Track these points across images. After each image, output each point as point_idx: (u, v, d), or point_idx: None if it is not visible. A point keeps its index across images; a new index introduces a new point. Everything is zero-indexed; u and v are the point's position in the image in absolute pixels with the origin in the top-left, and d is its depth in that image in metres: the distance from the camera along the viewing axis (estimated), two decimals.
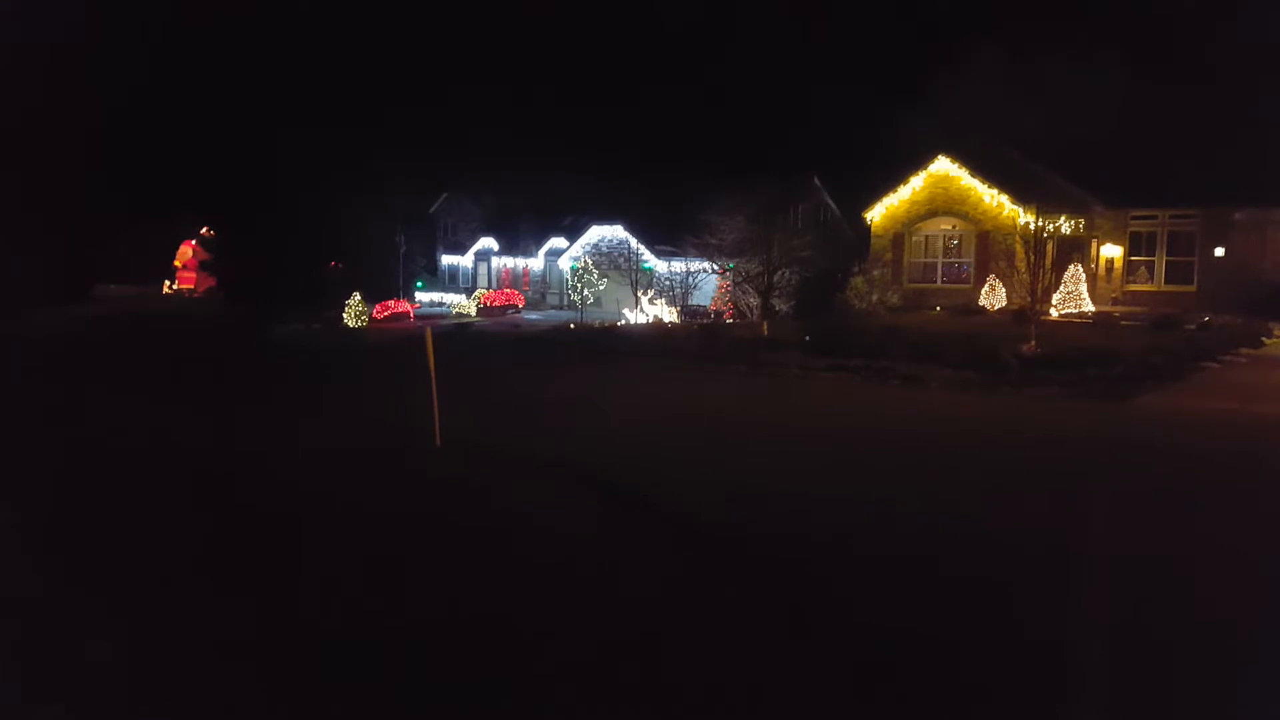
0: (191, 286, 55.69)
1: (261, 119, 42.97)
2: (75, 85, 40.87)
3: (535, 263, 48.70)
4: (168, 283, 56.31)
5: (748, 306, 31.07)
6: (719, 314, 33.69)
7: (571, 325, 30.88)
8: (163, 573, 6.55)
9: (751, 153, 41.36)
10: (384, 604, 5.91)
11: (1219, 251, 26.69)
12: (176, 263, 57.17)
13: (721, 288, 34.61)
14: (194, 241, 56.40)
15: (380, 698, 4.67)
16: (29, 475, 9.64)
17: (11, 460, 10.25)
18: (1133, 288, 28.36)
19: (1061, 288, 25.47)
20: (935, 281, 28.89)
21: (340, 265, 45.32)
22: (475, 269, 52.67)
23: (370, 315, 38.31)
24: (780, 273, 29.01)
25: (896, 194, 29.17)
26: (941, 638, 5.33)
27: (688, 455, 10.21)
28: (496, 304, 42.93)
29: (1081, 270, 26.31)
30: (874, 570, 6.51)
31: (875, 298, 27.33)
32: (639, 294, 36.82)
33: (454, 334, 26.30)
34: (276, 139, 39.73)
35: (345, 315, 37.13)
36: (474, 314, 41.31)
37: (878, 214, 29.71)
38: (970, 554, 6.85)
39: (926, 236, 29.07)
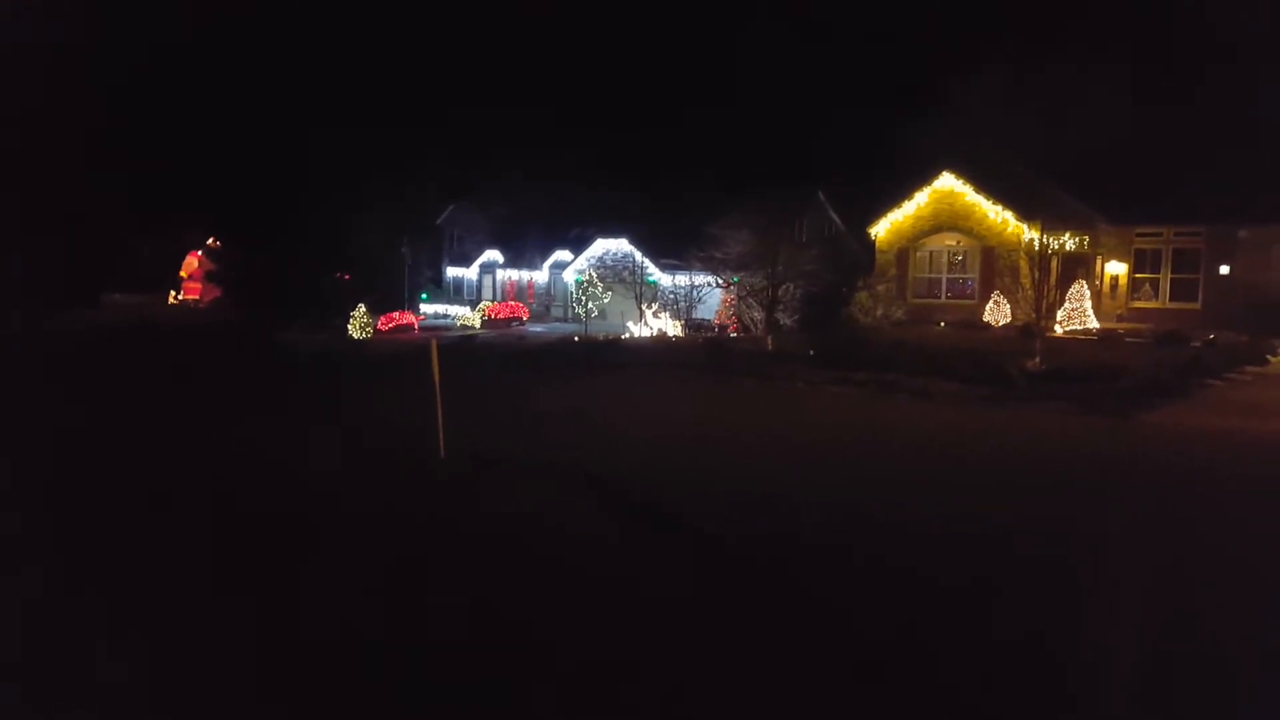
0: (197, 297, 55.89)
1: (269, 131, 43.24)
2: (83, 94, 41.14)
3: (540, 275, 48.81)
4: (173, 293, 56.53)
5: (752, 320, 31.10)
6: (723, 327, 33.71)
7: (576, 338, 30.93)
8: (171, 574, 6.59)
9: (756, 167, 41.53)
10: (375, 609, 5.93)
11: (1224, 269, 26.72)
12: (182, 273, 57.40)
13: (726, 301, 34.63)
14: (200, 252, 56.66)
15: (380, 698, 4.69)
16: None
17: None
18: (1137, 304, 28.38)
19: (1066, 304, 25.48)
20: (940, 297, 28.92)
21: (346, 276, 45.47)
22: (480, 281, 52.79)
23: (375, 326, 38.39)
24: (785, 287, 29.04)
25: (901, 209, 29.24)
26: (934, 646, 5.35)
27: (689, 468, 10.22)
28: (501, 316, 43.00)
29: (1086, 287, 26.32)
30: (882, 584, 6.53)
31: (880, 312, 27.35)
32: (643, 307, 36.85)
33: (458, 346, 26.37)
34: (283, 151, 39.98)
35: (350, 326, 37.20)
36: (478, 326, 41.37)
37: (882, 229, 29.78)
38: (969, 567, 6.87)
39: (931, 252, 29.12)
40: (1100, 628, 5.63)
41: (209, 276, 54.39)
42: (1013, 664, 5.21)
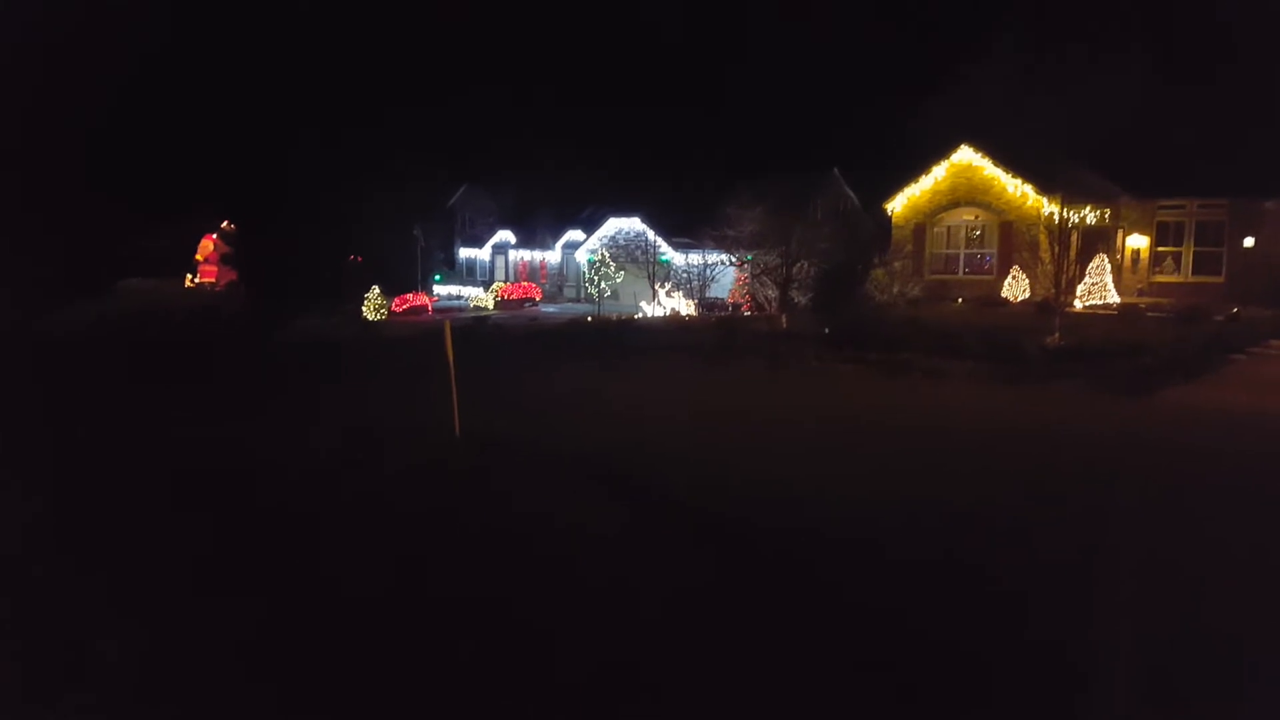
0: (213, 280, 56.05)
1: (282, 113, 43.09)
2: (95, 79, 41.11)
3: (552, 255, 48.66)
4: (190, 276, 56.69)
5: (766, 299, 30.81)
6: (736, 306, 33.46)
7: (588, 318, 30.80)
8: (173, 561, 6.52)
9: (771, 144, 41.15)
10: (384, 598, 5.85)
11: (1248, 242, 26.18)
12: (198, 256, 57.53)
13: (739, 280, 34.35)
14: (215, 235, 56.76)
15: (377, 691, 4.60)
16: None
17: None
18: (1159, 279, 27.89)
19: (1086, 279, 25.08)
20: (957, 273, 28.54)
21: (360, 258, 45.49)
22: (493, 262, 52.71)
23: (389, 308, 38.43)
24: (799, 265, 28.71)
25: (918, 184, 28.83)
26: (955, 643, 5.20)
27: (701, 452, 10.08)
28: (514, 297, 42.95)
29: (1107, 261, 25.88)
30: (896, 575, 6.38)
31: (896, 289, 27.03)
32: (656, 286, 36.65)
33: (472, 327, 26.26)
34: (297, 133, 39.89)
35: (364, 308, 37.27)
36: (491, 307, 41.33)
37: (899, 204, 29.38)
38: (988, 559, 6.71)
39: (948, 227, 28.71)
40: (1143, 635, 5.40)
41: (224, 260, 54.52)
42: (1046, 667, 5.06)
